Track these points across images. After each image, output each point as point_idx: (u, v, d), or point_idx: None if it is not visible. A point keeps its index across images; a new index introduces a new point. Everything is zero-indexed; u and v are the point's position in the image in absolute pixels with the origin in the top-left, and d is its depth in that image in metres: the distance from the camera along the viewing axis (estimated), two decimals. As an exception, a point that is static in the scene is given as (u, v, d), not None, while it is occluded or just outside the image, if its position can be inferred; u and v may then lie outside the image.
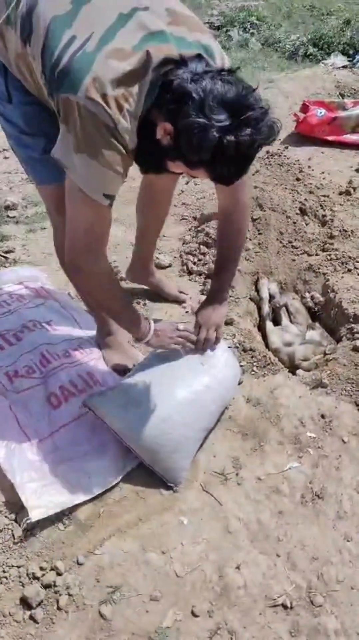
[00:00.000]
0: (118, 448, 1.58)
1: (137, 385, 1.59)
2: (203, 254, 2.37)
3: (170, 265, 2.38)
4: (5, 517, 1.45)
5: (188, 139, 1.10)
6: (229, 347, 1.81)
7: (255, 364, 1.88)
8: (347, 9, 6.36)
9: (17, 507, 1.46)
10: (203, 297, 1.85)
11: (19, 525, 1.43)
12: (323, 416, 1.72)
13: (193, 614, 1.31)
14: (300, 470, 1.59)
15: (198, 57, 1.17)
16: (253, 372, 1.85)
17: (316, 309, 2.28)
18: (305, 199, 2.60)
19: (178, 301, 2.18)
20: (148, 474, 1.56)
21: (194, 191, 2.89)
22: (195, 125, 1.07)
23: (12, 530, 1.43)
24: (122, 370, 1.81)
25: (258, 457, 1.62)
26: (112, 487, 1.53)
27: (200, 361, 1.65)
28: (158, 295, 2.19)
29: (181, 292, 2.21)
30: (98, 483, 1.51)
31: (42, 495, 1.44)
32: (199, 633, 1.28)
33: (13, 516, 1.45)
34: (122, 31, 1.15)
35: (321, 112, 3.34)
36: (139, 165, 1.32)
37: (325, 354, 2.01)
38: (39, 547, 1.41)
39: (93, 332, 1.91)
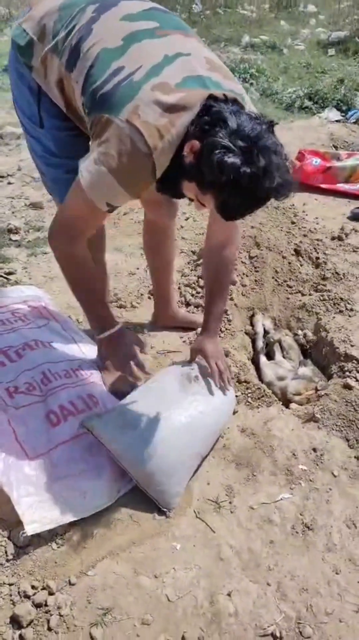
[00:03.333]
0: (114, 469, 1.60)
1: (134, 408, 1.62)
2: (202, 286, 2.44)
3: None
4: (-1, 533, 1.45)
5: (209, 157, 1.16)
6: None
7: (249, 395, 1.93)
8: (340, 69, 6.72)
9: (11, 524, 1.46)
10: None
11: (13, 542, 1.43)
12: (314, 450, 1.76)
13: (183, 639, 1.31)
14: (292, 501, 1.62)
15: (236, 100, 1.28)
16: (247, 403, 1.90)
17: (307, 346, 2.35)
18: (300, 241, 2.71)
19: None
20: (142, 498, 1.57)
21: (193, 227, 2.98)
22: (220, 146, 1.14)
23: (5, 547, 1.42)
24: (120, 394, 1.84)
25: (251, 487, 1.65)
26: (106, 509, 1.54)
27: (197, 388, 1.69)
28: (190, 329, 2.22)
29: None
30: (93, 503, 1.52)
31: (38, 510, 1.44)
32: (189, 661, 1.28)
33: (6, 533, 1.45)
34: (167, 69, 1.25)
35: (316, 161, 3.50)
36: (157, 184, 1.38)
37: (316, 389, 2.06)
38: (32, 566, 1.40)
39: (93, 355, 1.95)
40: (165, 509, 1.55)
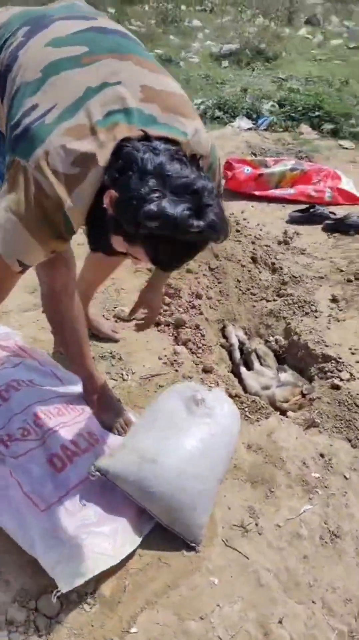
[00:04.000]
0: (133, 509, 1.49)
1: (145, 440, 1.52)
2: (167, 304, 2.37)
3: (134, 318, 2.35)
4: (24, 607, 1.29)
5: (125, 208, 1.01)
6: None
7: (246, 409, 1.89)
8: (237, 80, 6.98)
9: (35, 594, 1.30)
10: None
11: (42, 614, 1.28)
12: (322, 455, 1.76)
13: None
14: (313, 511, 1.60)
15: (165, 139, 1.08)
16: (246, 418, 1.86)
17: (280, 351, 2.36)
18: (254, 249, 2.74)
19: (113, 340, 2.18)
20: (166, 536, 1.48)
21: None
22: (135, 194, 0.99)
23: (34, 622, 1.26)
24: (115, 429, 1.73)
25: (272, 504, 1.61)
26: (132, 555, 1.43)
27: (204, 410, 1.62)
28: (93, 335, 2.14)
29: (114, 332, 2.20)
30: (121, 549, 1.40)
31: (68, 565, 1.31)
32: None
33: (33, 604, 1.29)
34: (87, 105, 1.09)
35: (247, 170, 3.57)
36: (89, 241, 1.25)
37: (302, 394, 2.08)
38: (67, 634, 1.26)
39: (76, 388, 1.81)
40: (193, 544, 1.47)
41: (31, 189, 1.08)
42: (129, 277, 2.64)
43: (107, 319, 2.32)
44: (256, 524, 1.55)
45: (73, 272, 1.58)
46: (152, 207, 0.97)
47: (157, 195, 0.98)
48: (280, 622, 1.34)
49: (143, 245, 1.04)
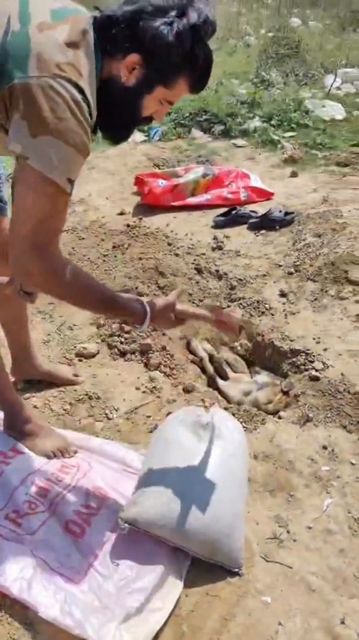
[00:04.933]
0: (166, 554, 1.43)
1: (164, 481, 1.47)
2: (127, 332, 2.32)
3: (98, 352, 2.27)
4: None
5: (162, 44, 1.09)
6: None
7: (241, 419, 1.89)
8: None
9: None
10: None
11: None
12: (324, 447, 1.80)
13: None
14: (336, 504, 1.63)
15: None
16: (245, 428, 1.86)
17: (247, 355, 2.39)
18: (194, 260, 2.75)
19: (76, 383, 2.06)
20: (206, 569, 1.44)
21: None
22: (162, 28, 1.08)
23: None
24: (51, 454, 1.67)
25: (296, 507, 1.62)
26: (179, 598, 1.37)
27: (209, 433, 1.60)
28: (52, 383, 2.05)
29: (75, 375, 2.09)
30: (168, 598, 1.34)
31: (125, 634, 1.22)
32: None
33: None
34: (31, 9, 1.10)
35: (162, 182, 3.58)
36: (111, 133, 1.26)
37: (283, 391, 2.11)
38: None
39: None
40: (236, 569, 1.44)
41: (49, 98, 1.04)
42: (76, 311, 2.54)
43: (69, 362, 2.21)
44: (288, 532, 1.55)
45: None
46: (193, 14, 1.09)
47: (173, 16, 1.09)
48: (342, 622, 1.35)
49: (187, 70, 1.14)
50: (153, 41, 1.10)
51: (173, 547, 1.43)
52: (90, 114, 1.11)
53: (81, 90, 1.07)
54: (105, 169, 4.27)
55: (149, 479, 1.49)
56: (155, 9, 1.10)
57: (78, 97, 1.06)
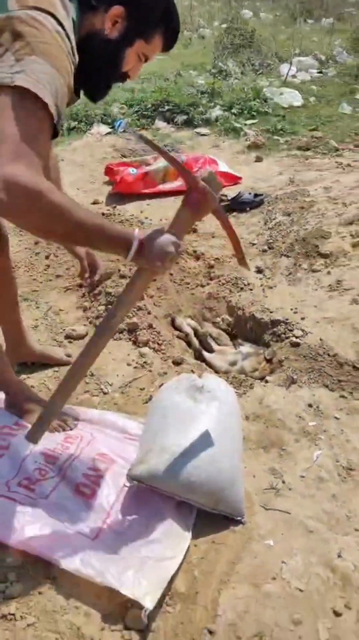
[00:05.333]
0: (173, 508, 1.52)
1: (167, 440, 1.55)
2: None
3: (87, 334, 2.33)
4: (113, 630, 1.27)
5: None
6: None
7: (231, 385, 1.99)
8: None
9: (117, 615, 1.29)
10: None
11: (134, 629, 1.27)
12: (310, 405, 1.92)
13: (336, 614, 1.34)
14: (324, 454, 1.75)
15: None
16: (236, 392, 1.96)
17: (229, 329, 2.50)
18: (172, 242, 2.83)
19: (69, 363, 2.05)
20: (209, 521, 1.53)
21: (61, 261, 2.86)
22: None
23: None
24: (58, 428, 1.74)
25: (288, 460, 1.73)
26: (188, 549, 1.46)
27: (208, 395, 1.69)
28: (46, 365, 2.11)
29: (67, 356, 2.14)
30: (178, 547, 1.43)
31: (142, 581, 1.31)
32: (354, 628, 1.32)
33: (121, 625, 1.28)
34: None
35: (133, 170, 3.65)
36: (92, 88, 1.31)
37: (266, 359, 2.22)
38: (165, 635, 1.27)
39: None
40: (239, 517, 1.54)
41: (31, 27, 1.04)
42: (61, 297, 2.61)
43: (59, 345, 2.27)
44: (283, 482, 1.66)
45: None
46: None
47: None
48: (339, 556, 1.47)
49: (163, 26, 1.26)
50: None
51: (179, 502, 1.52)
52: (73, 54, 1.12)
53: (61, 25, 1.09)
54: (73, 162, 4.31)
55: (152, 440, 1.57)
56: None
57: (60, 29, 1.08)
